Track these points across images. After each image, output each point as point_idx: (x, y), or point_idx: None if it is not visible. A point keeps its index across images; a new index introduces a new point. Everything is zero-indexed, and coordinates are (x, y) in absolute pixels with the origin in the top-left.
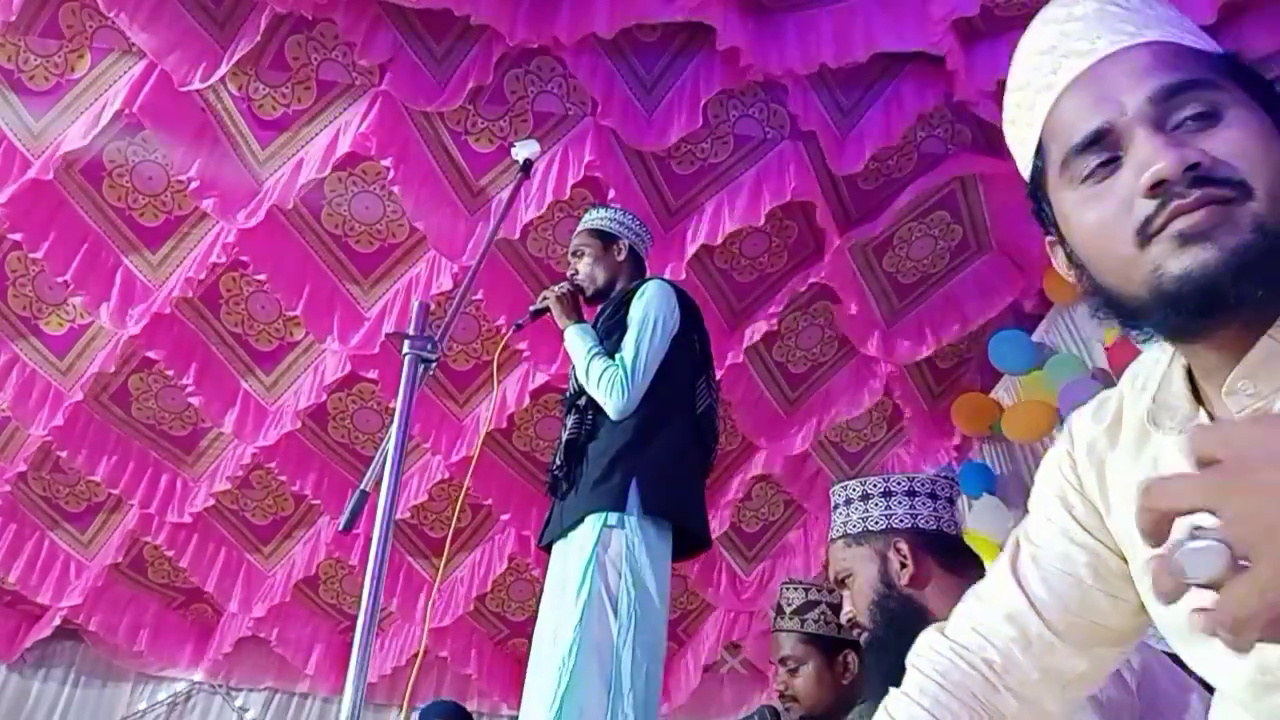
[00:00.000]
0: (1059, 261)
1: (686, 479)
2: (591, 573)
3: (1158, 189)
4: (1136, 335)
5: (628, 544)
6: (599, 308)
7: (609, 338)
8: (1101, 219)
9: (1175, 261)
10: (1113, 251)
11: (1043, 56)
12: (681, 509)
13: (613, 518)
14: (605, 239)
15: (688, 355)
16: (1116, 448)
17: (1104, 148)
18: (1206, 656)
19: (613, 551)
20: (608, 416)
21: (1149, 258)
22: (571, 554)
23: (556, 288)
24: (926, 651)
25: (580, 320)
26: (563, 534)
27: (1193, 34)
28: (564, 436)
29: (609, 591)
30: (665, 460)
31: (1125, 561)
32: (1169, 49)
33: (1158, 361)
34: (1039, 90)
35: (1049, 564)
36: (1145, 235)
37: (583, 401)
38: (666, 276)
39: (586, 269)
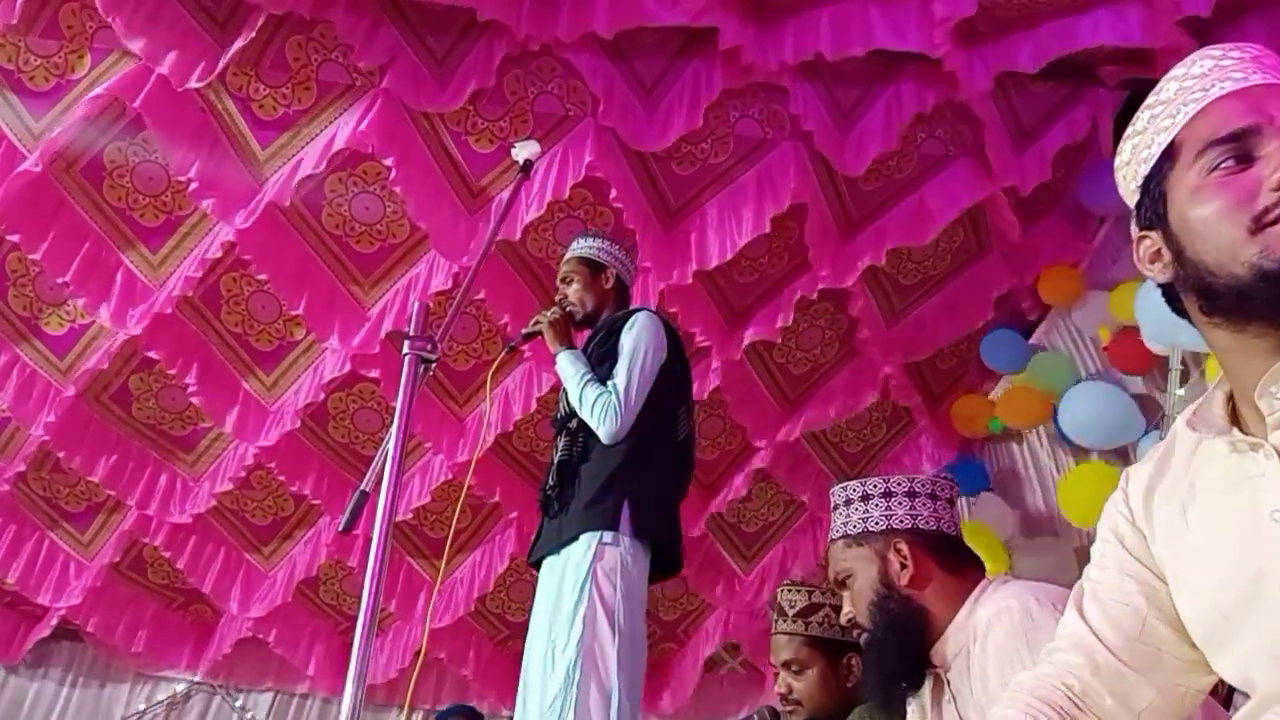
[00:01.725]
0: (1142, 253)
1: (669, 504)
2: (589, 587)
3: None
4: (1210, 320)
5: (621, 560)
6: (588, 335)
7: (600, 365)
8: (1222, 206)
9: None
10: (1225, 235)
11: (1195, 80)
12: (666, 533)
13: (607, 536)
14: (594, 267)
15: (671, 385)
16: (1167, 474)
17: (1242, 147)
18: (1237, 656)
19: (607, 566)
20: (598, 440)
21: (1259, 241)
22: (567, 569)
23: (549, 312)
24: (1015, 683)
25: (572, 346)
26: (555, 550)
27: None
28: (556, 458)
29: (605, 603)
30: (653, 486)
31: (1167, 584)
32: None
33: (1205, 395)
34: (1185, 103)
35: (1107, 597)
36: (1260, 224)
37: (574, 424)
38: (653, 307)
39: (576, 295)
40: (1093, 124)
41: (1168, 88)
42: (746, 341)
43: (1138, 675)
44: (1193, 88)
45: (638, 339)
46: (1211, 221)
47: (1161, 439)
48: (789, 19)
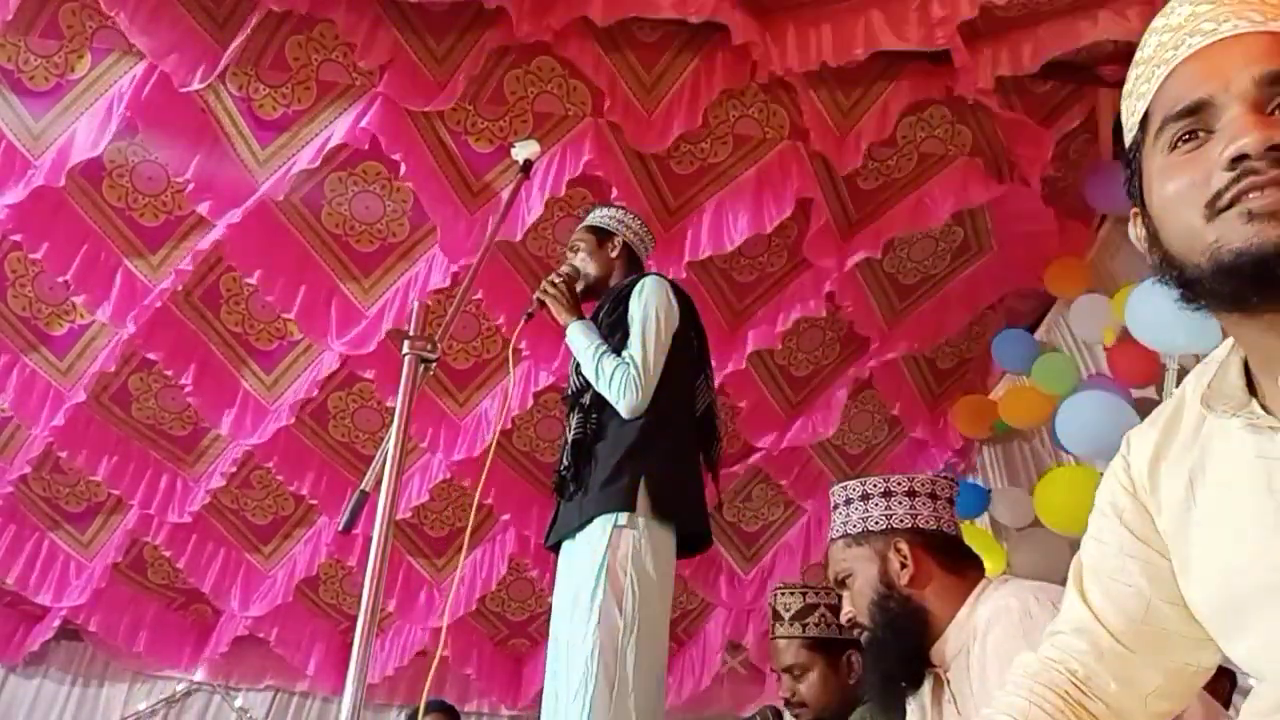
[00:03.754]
0: (1135, 232)
1: (691, 480)
2: (603, 576)
3: (1238, 163)
4: (1194, 307)
5: (636, 545)
6: (597, 304)
7: (611, 335)
8: (1180, 188)
9: (1237, 235)
10: (1183, 221)
11: (1170, 33)
12: (687, 510)
13: (622, 518)
14: (601, 234)
15: (687, 354)
16: (1174, 440)
17: (1199, 120)
18: (1248, 647)
19: (621, 553)
20: (613, 415)
21: (1214, 229)
22: (582, 555)
23: (554, 277)
24: (1019, 665)
25: (581, 316)
26: (571, 534)
27: None
28: (570, 436)
29: (618, 594)
30: (672, 461)
31: (1171, 562)
32: None
33: (1218, 359)
34: (1158, 64)
35: (1108, 577)
36: (1215, 208)
37: (587, 400)
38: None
39: (580, 261)
40: (1094, 122)
41: (1149, 43)
42: (749, 349)
43: (1143, 659)
44: (1167, 44)
45: (647, 306)
46: (1172, 206)
47: None
48: (789, 18)
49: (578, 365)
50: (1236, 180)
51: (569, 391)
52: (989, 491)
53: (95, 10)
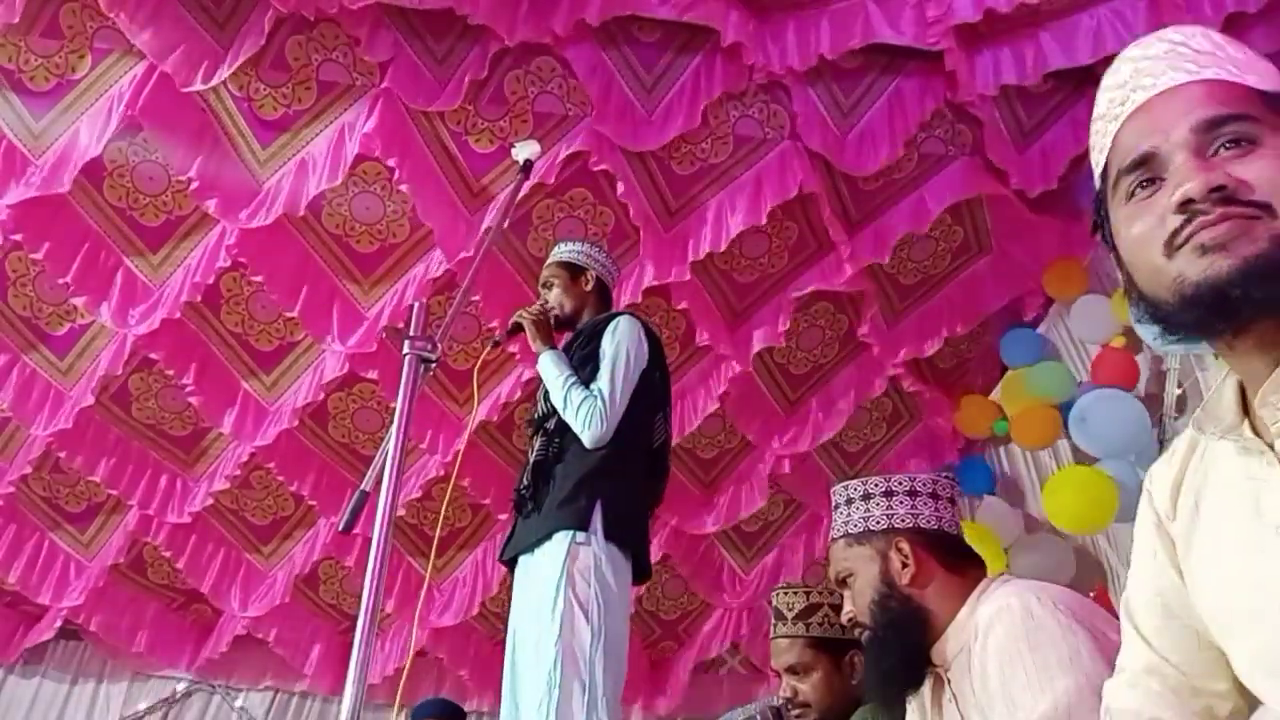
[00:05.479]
0: (1122, 273)
1: (640, 511)
2: (564, 587)
3: (1186, 206)
4: (1170, 339)
5: (595, 558)
6: (569, 337)
7: (581, 368)
8: (1140, 232)
9: (1194, 268)
10: (1148, 261)
11: (1117, 90)
12: (636, 538)
13: (580, 535)
14: (574, 270)
15: (649, 391)
16: (1188, 469)
17: (1149, 170)
18: (1242, 662)
19: (581, 565)
20: (574, 441)
21: (1174, 267)
22: (542, 568)
23: (532, 309)
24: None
25: (554, 346)
26: (530, 549)
27: (1257, 73)
28: (531, 458)
29: (580, 602)
30: (625, 491)
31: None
32: (1222, 86)
33: (1214, 390)
34: (1110, 120)
35: (1159, 616)
36: (1172, 247)
37: (551, 425)
38: (635, 312)
39: (556, 299)
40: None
41: (1101, 100)
42: (756, 348)
43: (1206, 680)
44: (1115, 101)
45: (620, 343)
46: (1138, 248)
47: (1161, 438)
48: (789, 18)
49: (546, 392)
50: (1187, 221)
51: (534, 416)
52: (993, 473)
53: (95, 10)
